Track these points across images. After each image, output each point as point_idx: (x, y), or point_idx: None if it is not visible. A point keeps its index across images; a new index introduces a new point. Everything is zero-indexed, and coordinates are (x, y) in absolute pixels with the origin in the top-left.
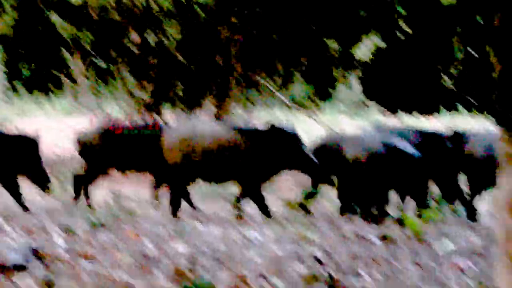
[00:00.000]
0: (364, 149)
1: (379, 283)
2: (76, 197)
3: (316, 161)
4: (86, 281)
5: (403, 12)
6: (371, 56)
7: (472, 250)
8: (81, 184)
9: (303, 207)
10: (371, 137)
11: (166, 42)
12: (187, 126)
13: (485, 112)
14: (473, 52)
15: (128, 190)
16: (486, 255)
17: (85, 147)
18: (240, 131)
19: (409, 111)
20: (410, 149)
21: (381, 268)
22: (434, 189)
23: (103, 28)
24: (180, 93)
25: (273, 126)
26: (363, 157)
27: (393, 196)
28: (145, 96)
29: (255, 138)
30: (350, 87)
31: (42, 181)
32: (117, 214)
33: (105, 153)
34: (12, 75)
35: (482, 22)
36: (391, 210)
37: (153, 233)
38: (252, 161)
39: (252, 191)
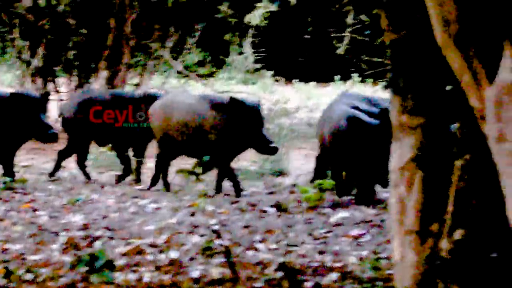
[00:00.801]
0: None
1: (275, 254)
2: (55, 171)
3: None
4: None
5: None
6: (264, 21)
7: (367, 220)
8: (63, 158)
9: (194, 175)
10: None
11: (58, 6)
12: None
13: (379, 81)
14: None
15: (37, 163)
16: (381, 225)
17: (65, 120)
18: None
19: (305, 80)
20: None
21: (277, 238)
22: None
23: None
24: (74, 59)
25: (232, 99)
26: None
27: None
28: (38, 62)
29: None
30: (245, 55)
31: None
32: (12, 186)
33: (85, 126)
34: None
35: None
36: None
37: (48, 205)
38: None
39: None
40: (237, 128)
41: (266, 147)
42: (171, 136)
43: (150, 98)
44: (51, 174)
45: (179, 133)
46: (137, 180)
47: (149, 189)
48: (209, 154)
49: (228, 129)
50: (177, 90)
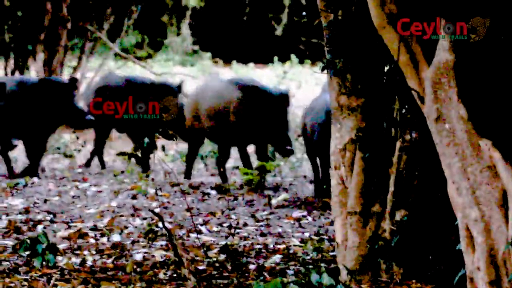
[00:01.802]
0: None
1: (218, 236)
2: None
3: None
4: None
5: None
6: (201, 2)
7: (308, 202)
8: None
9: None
10: None
11: None
12: None
13: (317, 62)
14: None
15: None
16: (321, 207)
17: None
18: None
19: (243, 61)
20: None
21: (219, 221)
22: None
23: None
24: (10, 42)
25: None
26: None
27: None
28: None
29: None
30: (182, 36)
31: None
32: None
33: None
34: None
35: None
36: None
37: None
38: None
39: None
40: (257, 116)
41: (282, 148)
42: (201, 123)
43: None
44: (87, 164)
45: (208, 119)
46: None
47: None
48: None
49: (248, 114)
50: (208, 76)
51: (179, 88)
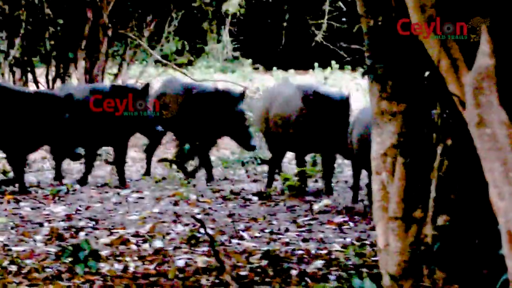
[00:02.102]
0: None
1: (259, 242)
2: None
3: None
4: None
5: None
6: (240, 9)
7: (350, 207)
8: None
9: (178, 164)
10: None
11: None
12: None
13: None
14: (341, 4)
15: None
16: (363, 212)
17: None
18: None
19: (284, 68)
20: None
21: (261, 227)
22: None
23: None
24: (51, 50)
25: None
26: None
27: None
28: (15, 53)
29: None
30: (223, 43)
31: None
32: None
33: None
34: None
35: None
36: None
37: (31, 196)
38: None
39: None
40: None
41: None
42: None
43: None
44: (146, 173)
45: (275, 125)
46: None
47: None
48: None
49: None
50: (279, 81)
51: (241, 96)
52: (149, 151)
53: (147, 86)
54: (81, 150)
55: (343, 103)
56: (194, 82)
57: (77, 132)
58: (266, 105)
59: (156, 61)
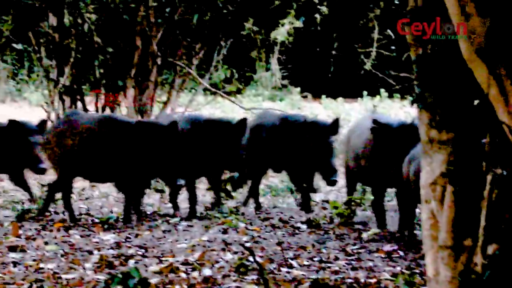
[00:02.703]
0: None
1: (308, 270)
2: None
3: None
4: (14, 272)
5: None
6: (288, 37)
7: (399, 236)
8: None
9: (226, 192)
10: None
11: (83, 24)
12: None
13: (407, 96)
14: (390, 33)
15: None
16: (412, 240)
17: None
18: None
19: (333, 96)
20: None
21: (310, 255)
22: None
23: (20, 12)
24: (101, 77)
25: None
26: None
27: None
28: (65, 80)
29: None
30: (271, 71)
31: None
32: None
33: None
34: None
35: (397, 1)
36: (319, 196)
37: (80, 223)
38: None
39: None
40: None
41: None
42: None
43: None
44: (244, 203)
45: (352, 160)
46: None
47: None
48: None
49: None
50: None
51: (333, 126)
52: (254, 185)
53: (243, 121)
54: (181, 181)
55: (403, 130)
56: (286, 113)
57: (181, 161)
58: (347, 137)
59: (205, 89)
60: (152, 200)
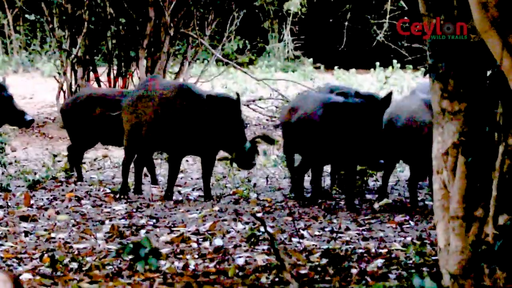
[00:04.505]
0: None
1: (320, 241)
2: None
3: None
4: (26, 242)
5: None
6: (301, 8)
7: (410, 206)
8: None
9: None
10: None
11: None
12: None
13: (419, 67)
14: (403, 3)
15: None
16: (423, 211)
17: None
18: None
19: (345, 67)
20: None
21: (321, 225)
22: None
23: None
24: (113, 48)
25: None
26: None
27: None
28: (77, 51)
29: None
30: (284, 42)
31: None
32: (55, 175)
33: None
34: None
35: None
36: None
37: (92, 194)
38: None
39: None
40: None
41: None
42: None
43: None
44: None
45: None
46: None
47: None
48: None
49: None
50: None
51: (385, 101)
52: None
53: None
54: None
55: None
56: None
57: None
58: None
59: (217, 60)
60: (163, 171)
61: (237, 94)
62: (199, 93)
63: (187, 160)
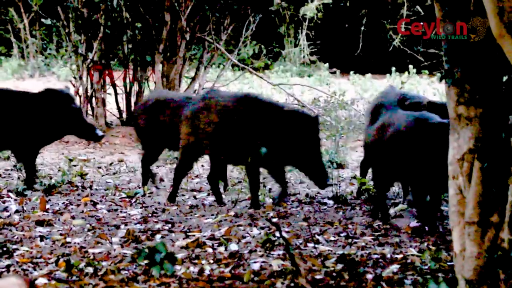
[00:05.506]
0: None
1: (335, 246)
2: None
3: None
4: (41, 246)
5: None
6: (317, 13)
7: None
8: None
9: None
10: None
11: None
12: None
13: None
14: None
15: (96, 157)
16: (439, 216)
17: None
18: None
19: (361, 72)
20: None
21: (336, 231)
22: None
23: None
24: (129, 53)
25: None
26: None
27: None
28: (93, 55)
29: None
30: (300, 47)
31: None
32: (70, 179)
33: None
34: None
35: None
36: (347, 172)
37: (107, 198)
38: None
39: None
40: None
41: None
42: None
43: None
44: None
45: None
46: None
47: None
48: None
49: None
50: None
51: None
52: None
53: None
54: None
55: None
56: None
57: None
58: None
59: (233, 65)
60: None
61: (316, 114)
62: (274, 104)
63: (202, 165)
